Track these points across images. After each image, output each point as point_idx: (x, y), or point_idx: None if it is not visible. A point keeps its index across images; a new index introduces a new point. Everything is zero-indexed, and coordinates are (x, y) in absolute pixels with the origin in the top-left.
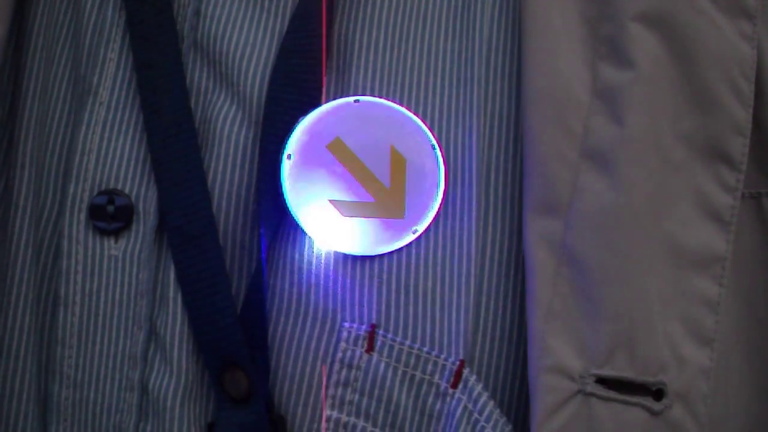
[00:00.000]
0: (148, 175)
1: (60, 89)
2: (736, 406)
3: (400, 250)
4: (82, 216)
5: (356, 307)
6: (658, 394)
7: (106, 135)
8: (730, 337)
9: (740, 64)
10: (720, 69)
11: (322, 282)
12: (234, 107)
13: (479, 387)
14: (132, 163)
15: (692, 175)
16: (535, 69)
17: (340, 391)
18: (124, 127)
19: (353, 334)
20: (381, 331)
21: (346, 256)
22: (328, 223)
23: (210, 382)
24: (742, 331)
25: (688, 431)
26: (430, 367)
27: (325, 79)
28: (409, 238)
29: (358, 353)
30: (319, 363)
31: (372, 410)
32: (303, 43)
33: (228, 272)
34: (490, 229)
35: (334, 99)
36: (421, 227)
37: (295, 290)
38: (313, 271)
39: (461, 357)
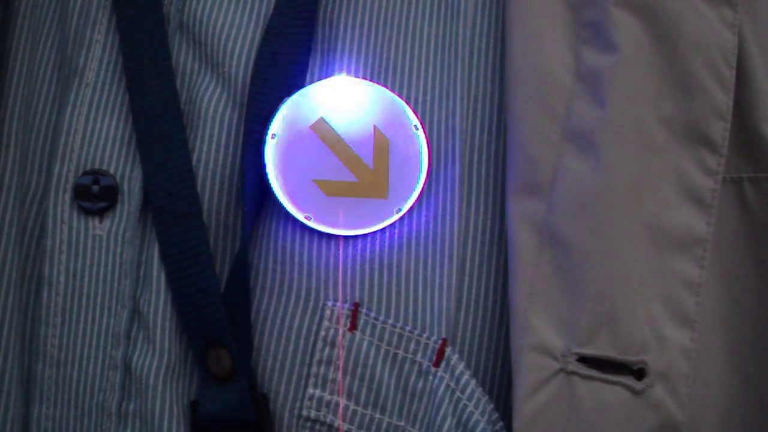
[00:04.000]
0: (133, 156)
1: (46, 70)
2: (718, 388)
3: (383, 229)
4: (67, 196)
5: (339, 285)
6: (640, 373)
7: (92, 116)
8: (711, 319)
9: (722, 50)
10: (702, 55)
11: (305, 261)
12: (219, 88)
13: (461, 366)
14: (117, 143)
15: (674, 158)
16: (519, 52)
17: (322, 369)
18: (109, 108)
19: (336, 313)
20: (364, 310)
21: (329, 236)
22: (312, 202)
23: (193, 361)
24: (723, 313)
25: (668, 411)
26: (412, 345)
27: (309, 61)
28: (393, 218)
29: (341, 332)
30: (302, 341)
31: (354, 388)
32: (288, 24)
33: (212, 251)
34: (473, 209)
35: (318, 80)
36: (404, 207)
37: (278, 269)
38: (297, 250)
39: (443, 336)
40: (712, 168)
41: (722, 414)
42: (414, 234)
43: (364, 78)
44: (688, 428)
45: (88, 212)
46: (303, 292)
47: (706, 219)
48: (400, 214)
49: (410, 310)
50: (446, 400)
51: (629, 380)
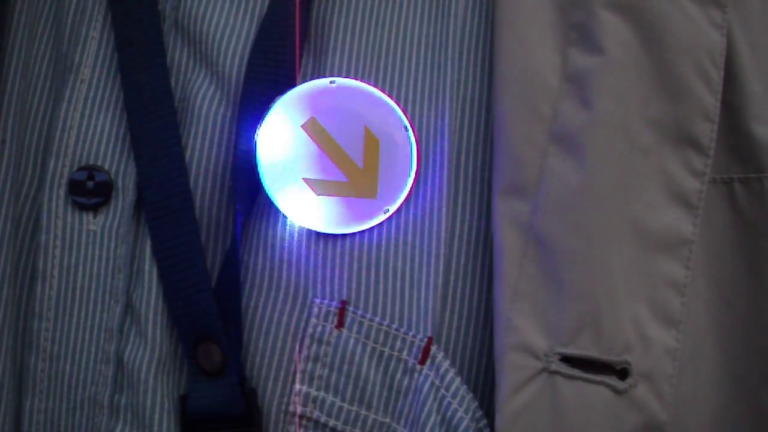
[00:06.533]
0: (127, 152)
1: (42, 66)
2: (708, 388)
3: (371, 228)
4: (62, 191)
5: (327, 283)
6: (623, 373)
7: (87, 112)
8: (700, 319)
9: (710, 51)
10: (689, 56)
11: (294, 259)
12: (213, 86)
13: (446, 364)
14: (112, 139)
15: (660, 159)
16: (507, 54)
17: (310, 365)
18: (104, 105)
19: (324, 310)
20: (351, 308)
21: (318, 234)
22: (302, 201)
23: (183, 355)
24: (713, 314)
25: (652, 410)
26: (398, 343)
27: (301, 61)
28: (381, 217)
29: (328, 329)
30: (290, 338)
31: (341, 385)
32: (281, 24)
33: (203, 247)
34: (459, 210)
35: (311, 80)
36: (393, 207)
37: (268, 266)
38: (286, 247)
39: (429, 334)
40: (698, 169)
41: (712, 414)
42: (401, 233)
43: (356, 78)
44: (674, 428)
45: (83, 207)
46: (291, 289)
47: (693, 220)
48: (389, 213)
49: (397, 309)
50: (431, 398)
51: (612, 380)
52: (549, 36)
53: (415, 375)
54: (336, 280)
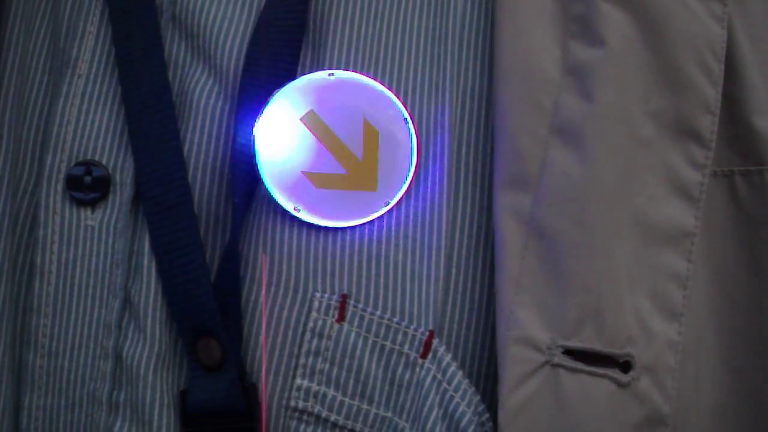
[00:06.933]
0: (125, 147)
1: (39, 61)
2: (707, 381)
3: (371, 222)
4: (59, 186)
5: (328, 277)
6: (626, 366)
7: (84, 107)
8: (701, 312)
9: (710, 44)
10: (690, 48)
11: (294, 252)
12: (211, 80)
13: (448, 357)
14: (109, 134)
15: (661, 151)
16: (507, 46)
17: (310, 360)
18: (102, 99)
19: (324, 304)
20: (352, 302)
21: (318, 227)
22: (301, 194)
23: (183, 351)
24: (713, 306)
25: (654, 403)
26: (399, 337)
27: (300, 53)
28: (381, 210)
29: (329, 323)
30: (290, 332)
31: (342, 379)
32: (280, 17)
33: (202, 242)
34: (460, 202)
35: (310, 72)
36: (393, 200)
37: (267, 260)
38: (286, 241)
39: (431, 328)
40: (700, 162)
41: (713, 407)
42: (402, 226)
43: (355, 71)
44: (676, 421)
45: (81, 203)
46: (291, 283)
47: (694, 213)
48: (389, 206)
49: (398, 302)
50: (433, 392)
51: (615, 373)
52: (549, 28)
53: (417, 369)
54: (336, 274)
